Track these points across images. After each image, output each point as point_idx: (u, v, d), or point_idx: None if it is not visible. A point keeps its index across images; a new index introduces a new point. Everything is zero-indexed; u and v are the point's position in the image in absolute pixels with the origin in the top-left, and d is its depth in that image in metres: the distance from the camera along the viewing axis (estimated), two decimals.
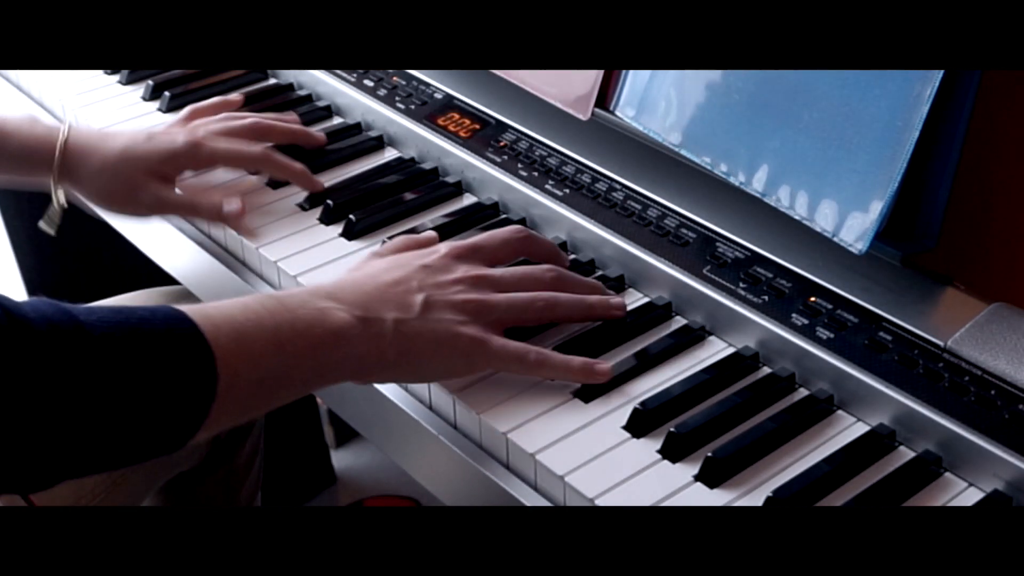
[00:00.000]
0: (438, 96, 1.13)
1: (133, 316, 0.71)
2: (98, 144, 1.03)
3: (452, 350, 0.82)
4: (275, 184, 1.08)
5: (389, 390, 0.88)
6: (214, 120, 1.08)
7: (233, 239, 1.03)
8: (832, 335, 0.84)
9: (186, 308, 0.74)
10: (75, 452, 0.68)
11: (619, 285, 0.95)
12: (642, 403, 0.82)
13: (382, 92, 1.15)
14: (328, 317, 0.78)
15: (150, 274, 1.23)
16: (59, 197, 1.04)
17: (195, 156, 1.04)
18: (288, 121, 1.12)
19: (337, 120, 1.19)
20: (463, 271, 0.85)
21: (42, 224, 1.09)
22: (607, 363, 0.85)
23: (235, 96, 1.16)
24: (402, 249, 0.89)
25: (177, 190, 1.05)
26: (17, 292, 1.65)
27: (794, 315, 0.86)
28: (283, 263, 0.98)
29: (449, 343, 0.81)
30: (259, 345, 0.75)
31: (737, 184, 0.90)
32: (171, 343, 0.71)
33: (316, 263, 0.99)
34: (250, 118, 1.09)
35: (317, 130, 1.16)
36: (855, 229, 0.83)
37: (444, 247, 0.87)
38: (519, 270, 0.88)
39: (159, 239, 1.10)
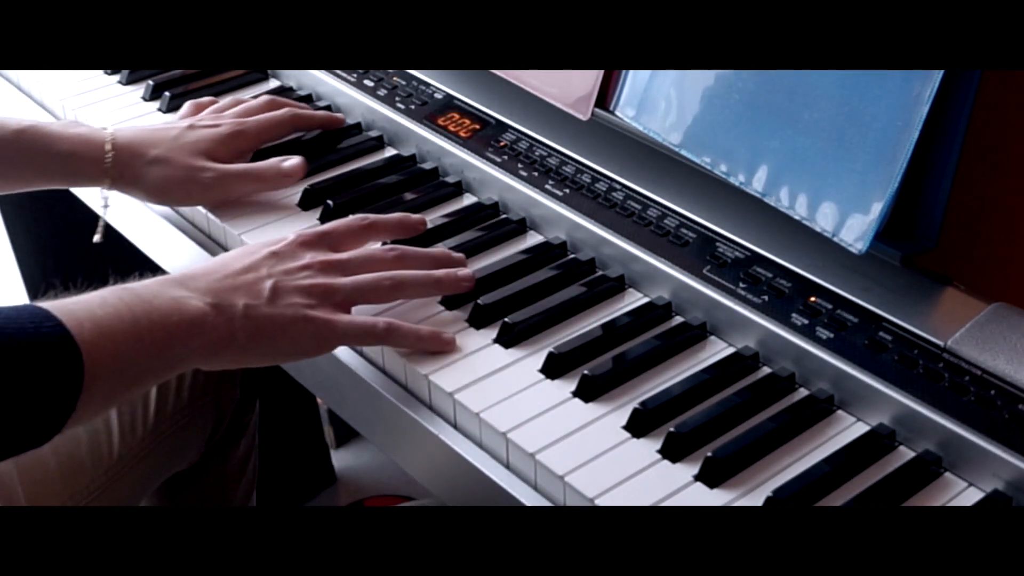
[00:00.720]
0: (438, 96, 1.13)
1: None
2: (146, 138, 1.04)
3: (301, 332, 0.85)
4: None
5: (390, 391, 0.88)
6: (228, 105, 1.12)
7: (234, 240, 1.03)
8: (832, 335, 0.84)
9: (48, 304, 0.76)
10: None
11: (619, 285, 0.95)
12: (642, 403, 0.82)
13: (382, 92, 1.15)
14: (183, 306, 0.81)
15: (146, 262, 1.24)
16: (106, 200, 1.05)
17: (244, 136, 1.07)
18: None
19: None
20: (310, 257, 0.89)
21: (97, 238, 1.09)
22: (451, 333, 0.89)
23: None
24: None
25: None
26: (18, 292, 1.64)
27: (794, 315, 0.86)
28: None
29: (298, 326, 0.85)
30: (120, 337, 0.77)
31: (737, 184, 0.90)
32: (37, 340, 0.73)
33: None
34: (261, 96, 1.14)
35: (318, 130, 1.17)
36: (855, 229, 0.83)
37: (292, 235, 0.91)
38: (363, 252, 0.92)
39: (161, 241, 1.10)
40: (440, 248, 0.97)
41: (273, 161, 1.06)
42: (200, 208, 1.05)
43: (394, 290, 0.90)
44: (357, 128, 1.17)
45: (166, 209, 1.09)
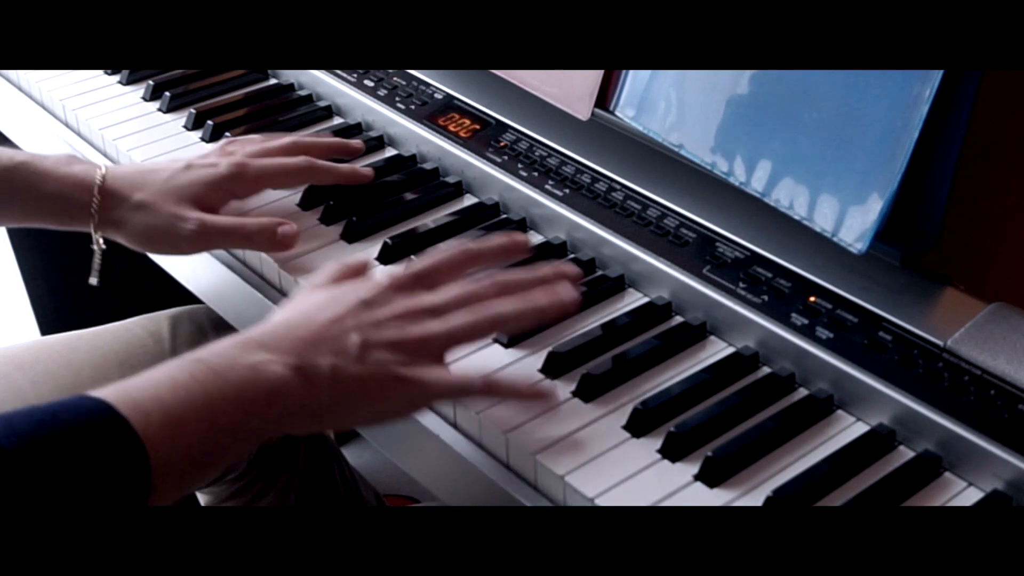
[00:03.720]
0: (438, 96, 1.13)
1: (56, 421, 0.67)
2: (136, 181, 0.98)
3: (391, 395, 0.78)
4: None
5: None
6: (249, 142, 1.04)
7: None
8: (832, 335, 0.84)
9: (114, 395, 0.70)
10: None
11: (619, 285, 0.95)
12: (642, 403, 0.82)
13: (382, 92, 1.15)
14: (261, 374, 0.74)
15: (163, 293, 1.23)
16: (99, 243, 1.00)
17: (242, 179, 1.00)
18: (322, 136, 1.09)
19: (337, 120, 1.19)
20: (401, 305, 0.80)
21: (92, 281, 1.03)
22: (554, 383, 0.83)
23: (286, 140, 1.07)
24: (340, 278, 0.84)
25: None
26: (27, 320, 1.64)
27: (794, 315, 0.86)
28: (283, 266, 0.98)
29: (389, 386, 0.77)
30: (191, 426, 0.71)
31: (737, 184, 0.90)
32: (99, 445, 0.67)
33: (317, 263, 0.98)
34: (286, 137, 1.05)
35: (317, 131, 1.17)
36: (855, 229, 0.83)
37: (385, 278, 0.82)
38: (460, 290, 0.83)
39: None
40: (546, 267, 0.86)
41: (267, 223, 0.97)
42: None
43: (494, 327, 0.82)
44: (357, 128, 1.17)
45: None
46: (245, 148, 1.03)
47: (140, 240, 0.98)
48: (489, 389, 0.81)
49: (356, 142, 1.10)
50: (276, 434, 0.77)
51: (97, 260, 1.02)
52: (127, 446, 0.68)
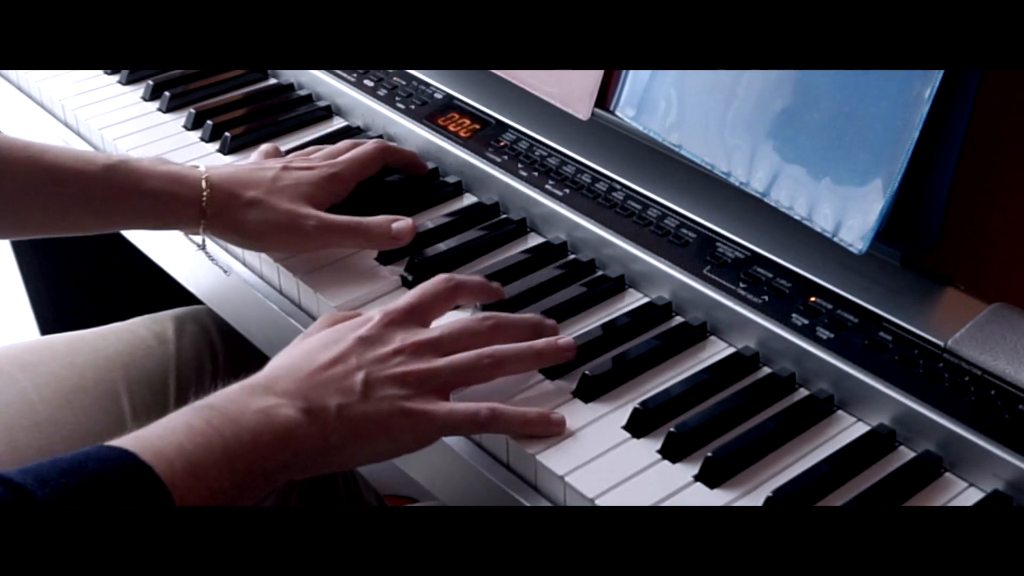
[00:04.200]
0: (438, 96, 1.13)
1: (84, 471, 0.67)
2: (243, 178, 0.98)
3: (400, 428, 0.78)
4: None
5: None
6: (309, 153, 1.05)
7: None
8: (832, 335, 0.84)
9: (134, 444, 0.70)
10: None
11: (619, 285, 0.95)
12: (642, 403, 0.82)
13: (382, 92, 1.15)
14: (273, 418, 0.75)
15: (160, 293, 1.23)
16: (204, 242, 1.00)
17: (340, 178, 1.01)
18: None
19: (337, 120, 1.19)
20: (400, 340, 0.81)
21: (227, 274, 1.03)
22: (560, 414, 0.82)
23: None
24: (333, 324, 0.85)
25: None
26: (27, 320, 1.64)
27: (794, 315, 0.86)
28: (284, 265, 0.99)
29: (396, 421, 0.78)
30: (213, 472, 0.71)
31: (737, 184, 0.90)
32: (127, 493, 0.67)
33: (317, 264, 0.99)
34: (342, 141, 1.07)
35: (317, 130, 1.17)
36: (855, 229, 0.83)
37: (377, 314, 0.83)
38: (458, 327, 0.84)
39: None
40: (531, 314, 0.89)
41: (383, 219, 0.98)
42: None
43: (494, 368, 0.83)
44: (357, 129, 1.17)
45: None
46: (311, 156, 1.04)
47: (256, 237, 0.97)
48: (496, 419, 0.80)
49: (424, 164, 1.09)
50: (292, 476, 0.77)
51: (210, 258, 1.02)
52: (154, 495, 0.68)
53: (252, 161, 1.05)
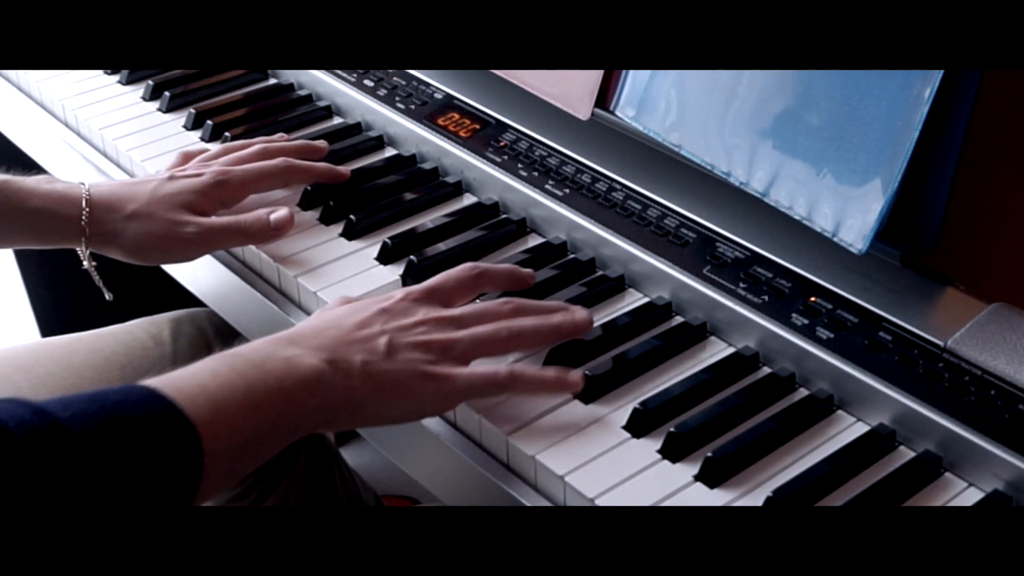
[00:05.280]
0: (438, 96, 1.13)
1: (107, 403, 0.68)
2: (123, 193, 0.99)
3: (422, 390, 0.80)
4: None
5: None
6: (219, 153, 1.06)
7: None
8: (832, 335, 0.84)
9: (157, 382, 0.71)
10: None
11: (619, 285, 0.95)
12: (642, 403, 0.82)
13: (382, 92, 1.15)
14: (297, 366, 0.76)
15: (163, 296, 1.23)
16: (88, 258, 1.00)
17: (227, 185, 1.01)
18: (281, 139, 1.11)
19: (337, 120, 1.19)
20: (423, 313, 0.84)
21: (108, 297, 1.04)
22: (577, 373, 0.84)
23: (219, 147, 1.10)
24: (350, 302, 0.86)
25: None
26: (27, 321, 1.64)
27: (794, 315, 0.86)
28: (285, 266, 0.99)
29: (418, 383, 0.80)
30: (235, 411, 0.73)
31: (737, 184, 0.90)
32: (152, 427, 0.69)
33: (316, 263, 0.99)
34: (255, 144, 1.07)
35: (317, 130, 1.17)
36: (855, 229, 0.83)
37: (400, 292, 0.86)
38: (478, 306, 0.87)
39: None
40: (554, 301, 0.90)
41: (260, 213, 1.00)
42: None
43: (512, 340, 0.85)
44: (357, 128, 1.17)
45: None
46: (219, 159, 1.05)
47: (137, 250, 0.98)
48: (515, 380, 0.82)
49: (321, 143, 1.11)
50: (317, 427, 0.79)
51: (96, 276, 1.03)
52: (179, 429, 0.69)
53: (168, 164, 1.06)
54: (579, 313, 0.88)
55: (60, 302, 1.62)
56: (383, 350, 0.80)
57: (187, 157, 1.06)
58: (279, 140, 1.10)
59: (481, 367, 0.83)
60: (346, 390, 0.78)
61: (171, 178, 1.00)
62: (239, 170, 1.03)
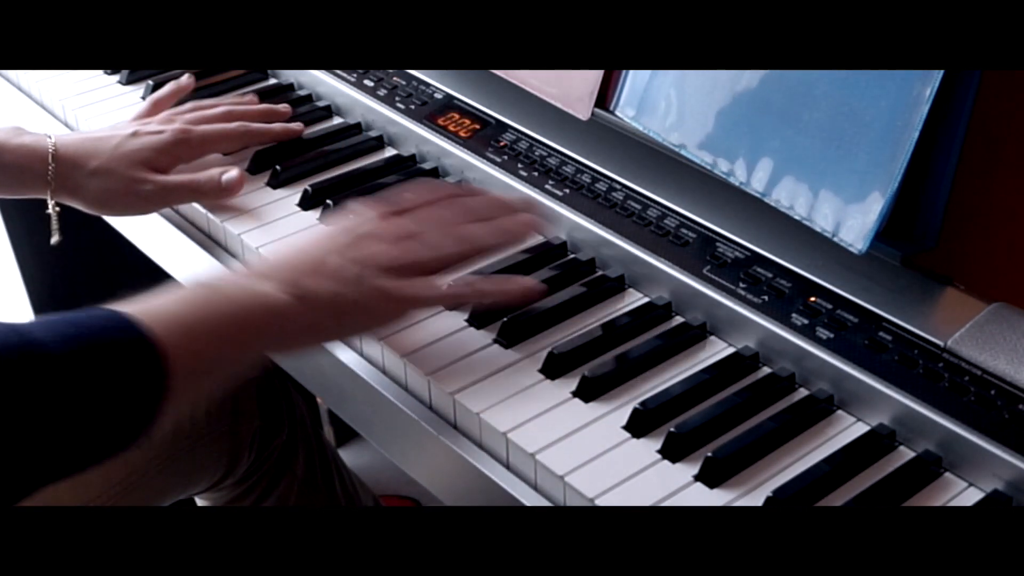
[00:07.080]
0: (438, 96, 1.13)
1: (84, 327, 0.73)
2: (88, 149, 1.04)
3: (386, 308, 0.86)
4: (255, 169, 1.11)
5: (390, 390, 0.88)
6: (186, 111, 1.11)
7: (234, 240, 1.03)
8: (832, 335, 0.84)
9: (124, 305, 0.75)
10: (43, 465, 0.71)
11: (619, 285, 0.95)
12: (642, 403, 0.82)
13: (382, 92, 1.15)
14: (262, 297, 0.81)
15: (153, 275, 1.23)
16: (55, 209, 1.05)
17: (187, 144, 1.07)
18: (250, 103, 1.16)
19: (337, 120, 1.19)
20: (383, 228, 0.88)
21: (54, 240, 1.08)
22: (532, 279, 0.91)
23: (186, 80, 1.18)
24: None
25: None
26: (21, 304, 1.64)
27: (794, 315, 0.86)
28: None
29: (382, 302, 0.85)
30: (203, 337, 0.77)
31: (737, 184, 0.90)
32: (124, 351, 0.73)
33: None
34: (220, 106, 1.13)
35: (318, 130, 1.17)
36: (855, 229, 0.83)
37: (371, 212, 0.90)
38: (429, 216, 0.90)
39: (161, 241, 1.10)
40: (501, 195, 0.98)
41: (212, 173, 1.05)
42: (199, 208, 1.05)
43: (469, 250, 0.90)
44: (357, 128, 1.17)
45: (166, 210, 1.09)
46: (185, 116, 1.10)
47: (98, 203, 1.04)
48: (478, 293, 0.90)
49: (284, 106, 1.16)
50: (281, 350, 0.87)
51: (55, 222, 1.07)
52: (146, 353, 0.73)
53: (137, 112, 1.13)
54: (524, 216, 0.93)
55: (58, 297, 1.62)
56: (350, 277, 0.84)
57: (156, 106, 1.13)
58: (248, 103, 1.16)
59: (440, 281, 0.88)
60: (309, 319, 0.83)
61: (135, 134, 1.05)
62: (199, 130, 1.08)
